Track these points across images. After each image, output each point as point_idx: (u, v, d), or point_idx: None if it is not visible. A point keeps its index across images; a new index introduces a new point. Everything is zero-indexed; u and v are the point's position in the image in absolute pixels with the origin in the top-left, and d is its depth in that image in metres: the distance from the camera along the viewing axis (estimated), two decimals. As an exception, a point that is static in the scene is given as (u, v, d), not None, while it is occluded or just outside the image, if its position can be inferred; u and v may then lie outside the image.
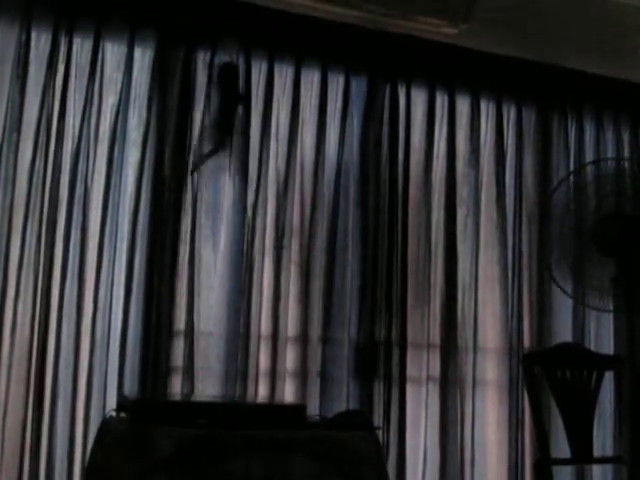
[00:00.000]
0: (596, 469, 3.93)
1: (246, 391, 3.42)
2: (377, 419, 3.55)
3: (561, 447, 3.59)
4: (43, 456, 3.14)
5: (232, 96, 3.55)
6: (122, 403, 2.81)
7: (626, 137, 4.33)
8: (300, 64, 3.72)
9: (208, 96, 3.54)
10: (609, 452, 3.95)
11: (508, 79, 4.09)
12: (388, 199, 3.79)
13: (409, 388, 3.70)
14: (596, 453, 3.63)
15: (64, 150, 3.31)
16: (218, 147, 3.52)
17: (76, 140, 3.34)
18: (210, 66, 3.56)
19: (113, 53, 3.45)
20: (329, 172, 3.73)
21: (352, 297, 3.68)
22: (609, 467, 3.96)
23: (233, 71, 3.57)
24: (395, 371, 3.68)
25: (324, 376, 3.59)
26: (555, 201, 3.82)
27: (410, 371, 3.73)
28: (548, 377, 3.51)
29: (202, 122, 3.52)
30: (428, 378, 3.76)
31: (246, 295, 3.49)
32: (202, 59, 3.56)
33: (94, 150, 3.36)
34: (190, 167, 3.47)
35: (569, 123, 4.20)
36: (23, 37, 3.29)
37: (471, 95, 4.03)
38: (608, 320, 4.12)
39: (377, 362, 3.66)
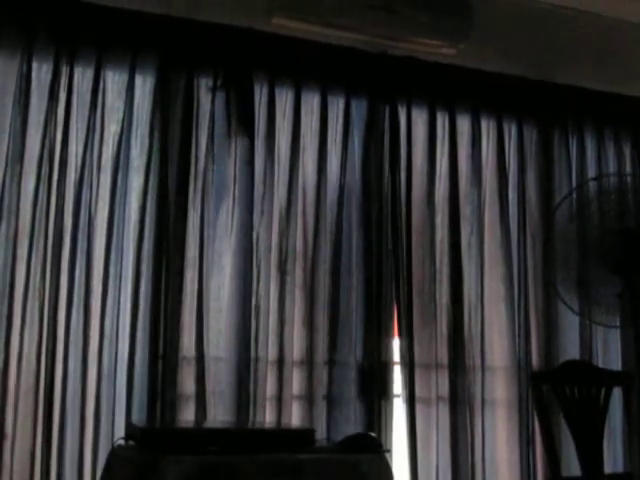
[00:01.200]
0: (607, 486, 3.91)
1: (254, 416, 3.41)
2: (385, 440, 3.53)
3: (572, 465, 3.57)
4: (53, 486, 3.14)
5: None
6: (130, 432, 2.80)
7: (627, 152, 4.34)
8: (300, 88, 3.73)
9: (211, 121, 3.55)
10: (620, 468, 3.93)
11: (508, 97, 4.10)
12: (391, 220, 3.80)
13: (418, 408, 3.69)
14: (607, 469, 3.62)
15: (67, 179, 3.32)
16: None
17: (79, 169, 3.34)
18: (213, 91, 3.57)
19: (114, 81, 3.46)
20: (331, 195, 3.73)
21: (357, 319, 3.67)
22: (620, 484, 3.94)
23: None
24: (404, 391, 3.68)
25: (331, 399, 3.58)
26: (558, 218, 3.83)
27: (419, 391, 3.71)
28: (557, 395, 3.51)
29: (205, 146, 3.52)
30: (438, 398, 3.74)
31: (253, 320, 3.48)
32: (204, 84, 3.57)
33: (97, 178, 3.37)
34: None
35: (570, 139, 4.21)
36: (24, 68, 3.30)
37: (471, 114, 4.04)
38: (615, 336, 4.10)
39: (384, 383, 3.65)
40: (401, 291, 3.75)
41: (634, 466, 3.72)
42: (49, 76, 3.34)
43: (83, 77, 3.41)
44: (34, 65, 3.33)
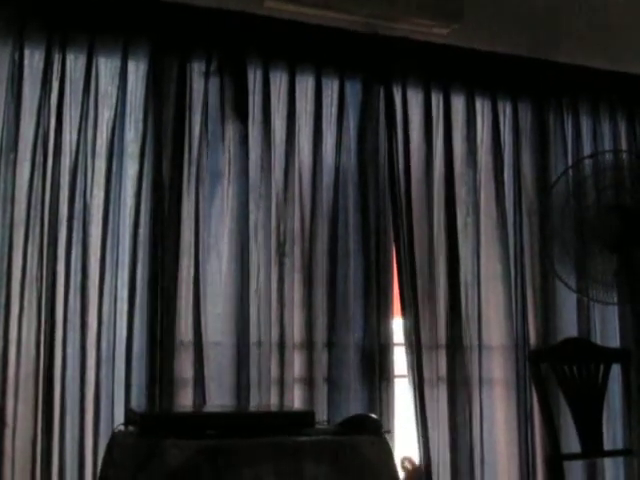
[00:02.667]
0: (607, 462, 3.93)
1: (254, 399, 3.42)
2: (386, 422, 3.54)
3: (571, 442, 3.58)
4: (54, 473, 3.15)
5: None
6: (130, 417, 2.81)
7: (623, 129, 4.33)
8: (294, 70, 3.72)
9: (205, 106, 3.54)
10: (619, 445, 3.94)
11: (502, 76, 4.09)
12: (388, 201, 3.79)
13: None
14: (606, 446, 3.64)
15: (62, 166, 3.31)
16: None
17: (73, 155, 3.34)
18: (206, 76, 3.56)
19: (107, 67, 3.45)
20: (328, 177, 3.73)
21: (356, 301, 3.68)
22: (620, 460, 3.95)
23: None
24: (409, 373, 3.69)
25: (331, 381, 3.58)
26: (554, 196, 3.83)
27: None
28: (555, 373, 3.52)
29: (200, 131, 3.52)
30: (438, 378, 3.75)
31: (252, 304, 3.49)
32: (197, 69, 3.56)
33: (92, 165, 3.36)
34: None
35: (565, 117, 4.20)
36: (16, 55, 3.29)
37: (466, 94, 4.03)
38: (613, 313, 4.11)
39: (384, 364, 3.65)
40: (403, 272, 3.74)
41: (633, 442, 3.73)
42: (41, 63, 3.33)
43: (75, 64, 3.39)
44: (26, 52, 3.32)
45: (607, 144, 4.25)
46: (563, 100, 4.20)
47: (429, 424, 3.68)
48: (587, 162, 3.90)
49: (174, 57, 3.53)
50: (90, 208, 3.34)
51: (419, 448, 3.62)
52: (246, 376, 3.42)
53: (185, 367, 3.36)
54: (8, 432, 3.11)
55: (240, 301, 3.49)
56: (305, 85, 3.76)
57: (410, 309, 3.73)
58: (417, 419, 3.65)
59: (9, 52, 3.29)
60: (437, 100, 3.97)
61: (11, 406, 3.13)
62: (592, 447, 3.48)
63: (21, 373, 3.15)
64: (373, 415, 3.00)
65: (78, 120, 3.36)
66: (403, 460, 3.53)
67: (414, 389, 3.67)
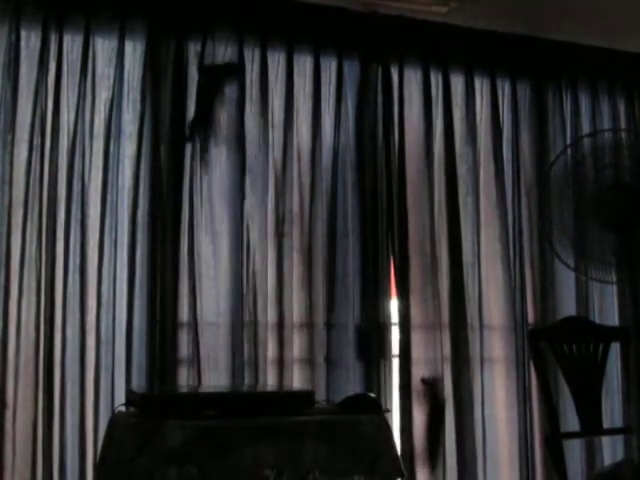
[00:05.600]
0: (606, 440, 3.94)
1: (253, 379, 3.43)
2: (384, 401, 3.55)
3: (570, 420, 3.59)
4: (55, 454, 3.16)
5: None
6: (130, 397, 2.82)
7: (622, 107, 4.32)
8: (292, 50, 3.70)
9: (200, 86, 3.53)
10: (618, 423, 3.96)
11: (501, 55, 4.08)
12: (386, 181, 3.79)
13: (419, 368, 3.71)
14: (605, 424, 3.64)
15: (60, 147, 3.31)
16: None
17: (71, 137, 3.33)
18: (201, 55, 3.54)
19: (104, 48, 3.44)
20: (326, 157, 3.72)
21: (355, 281, 3.68)
22: (619, 438, 3.97)
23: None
24: (404, 352, 3.70)
25: (330, 361, 3.59)
26: (553, 175, 3.82)
27: (422, 352, 3.73)
28: (554, 352, 3.51)
29: (196, 112, 3.50)
30: (443, 358, 3.75)
31: (249, 284, 3.49)
32: (193, 49, 3.54)
33: (90, 146, 3.36)
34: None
35: (564, 96, 4.19)
36: (12, 37, 3.29)
37: (465, 73, 4.02)
38: (612, 292, 4.12)
39: (382, 344, 3.66)
40: (396, 252, 3.75)
41: (632, 420, 3.74)
42: (38, 45, 3.32)
43: (72, 45, 3.39)
44: (22, 34, 3.31)
45: (606, 123, 4.24)
46: (562, 79, 4.19)
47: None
48: (586, 141, 3.89)
49: (171, 37, 3.52)
50: (88, 189, 3.34)
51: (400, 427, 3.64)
52: (243, 357, 3.43)
53: (185, 348, 3.37)
54: (9, 414, 3.12)
55: (239, 282, 3.49)
56: (303, 65, 3.74)
57: (402, 289, 3.73)
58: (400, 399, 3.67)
59: (5, 34, 3.28)
60: (436, 79, 3.96)
61: (11, 388, 3.14)
62: (591, 425, 3.48)
63: (21, 355, 3.16)
64: (372, 394, 3.01)
65: (75, 101, 3.36)
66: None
67: (401, 368, 3.69)
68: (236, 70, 3.57)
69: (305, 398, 2.72)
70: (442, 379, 3.72)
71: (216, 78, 3.54)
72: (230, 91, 3.58)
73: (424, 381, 3.68)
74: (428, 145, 3.89)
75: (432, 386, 3.69)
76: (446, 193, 3.89)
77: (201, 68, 3.53)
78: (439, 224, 3.86)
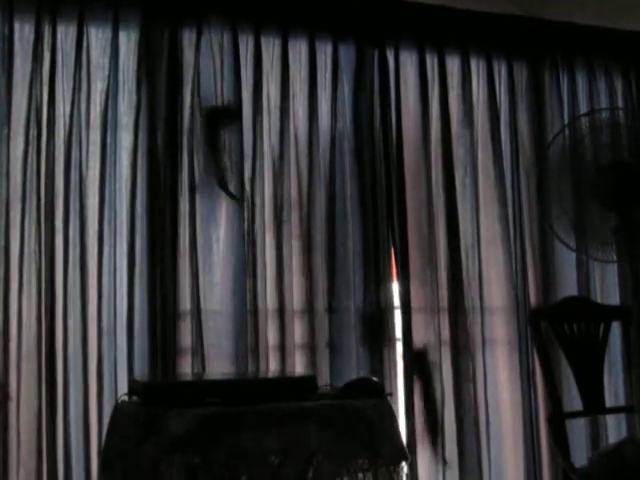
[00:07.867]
0: (609, 419, 3.94)
1: (256, 367, 3.43)
2: (388, 384, 3.56)
3: (573, 400, 3.60)
4: (60, 444, 3.17)
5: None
6: (133, 387, 2.82)
7: (619, 86, 4.30)
8: (287, 35, 3.69)
9: (197, 74, 3.52)
10: (621, 402, 3.96)
11: (497, 35, 4.06)
12: (384, 164, 3.78)
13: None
14: (608, 403, 3.65)
15: (56, 139, 3.30)
16: None
17: (67, 128, 3.33)
18: (197, 44, 3.53)
19: (98, 38, 3.43)
20: (323, 142, 3.71)
21: (355, 265, 3.68)
22: (622, 416, 3.97)
23: None
24: (405, 335, 3.70)
25: (333, 346, 3.59)
26: (552, 155, 3.82)
27: (422, 335, 3.74)
28: (556, 332, 3.52)
29: (192, 102, 3.50)
30: (440, 342, 3.76)
31: (250, 271, 3.49)
32: (188, 37, 3.53)
33: (86, 137, 3.35)
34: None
35: (561, 76, 4.17)
36: (6, 29, 3.27)
37: (461, 54, 4.00)
38: (612, 271, 4.11)
39: (384, 328, 3.66)
40: (396, 235, 3.75)
41: (635, 399, 3.75)
42: (32, 36, 3.31)
43: (66, 35, 3.38)
44: (16, 26, 3.30)
45: (603, 101, 4.22)
46: (558, 58, 4.17)
47: (435, 385, 3.71)
48: (583, 120, 3.89)
49: (165, 26, 3.50)
50: (86, 180, 3.33)
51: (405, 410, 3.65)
52: (246, 343, 3.44)
53: (186, 336, 3.38)
54: (12, 405, 3.13)
55: (240, 269, 3.49)
56: (298, 50, 3.73)
57: (403, 273, 3.73)
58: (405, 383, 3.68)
59: (-2, 27, 3.27)
60: (432, 61, 3.94)
61: (14, 380, 3.14)
62: (594, 405, 3.49)
63: (23, 347, 3.17)
64: (375, 378, 3.01)
65: (71, 92, 3.35)
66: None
67: (404, 352, 3.70)
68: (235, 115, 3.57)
69: (308, 383, 2.72)
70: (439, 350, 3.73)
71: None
72: (227, 75, 3.57)
73: (416, 351, 3.68)
74: (425, 127, 3.88)
75: (422, 354, 3.69)
76: (444, 175, 3.88)
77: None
78: (438, 206, 3.85)
